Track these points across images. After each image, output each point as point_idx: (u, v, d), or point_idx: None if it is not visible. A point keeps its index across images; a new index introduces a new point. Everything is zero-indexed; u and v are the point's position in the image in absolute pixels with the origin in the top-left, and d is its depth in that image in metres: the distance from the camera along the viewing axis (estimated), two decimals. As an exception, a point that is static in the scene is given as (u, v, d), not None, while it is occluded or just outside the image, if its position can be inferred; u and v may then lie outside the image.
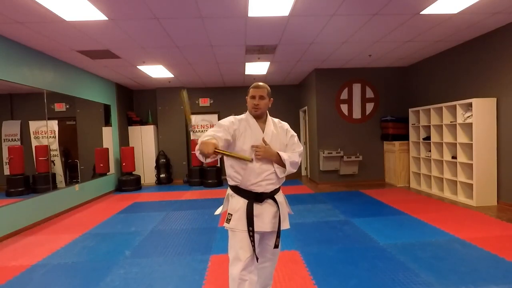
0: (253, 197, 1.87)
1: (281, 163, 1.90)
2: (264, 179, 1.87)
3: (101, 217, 5.06)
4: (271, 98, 1.99)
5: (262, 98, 1.91)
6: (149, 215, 5.13)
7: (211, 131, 1.82)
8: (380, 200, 5.59)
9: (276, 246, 1.93)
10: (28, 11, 3.52)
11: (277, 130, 1.98)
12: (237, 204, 1.89)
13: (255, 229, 1.83)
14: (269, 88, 1.97)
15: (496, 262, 2.89)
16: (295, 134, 2.07)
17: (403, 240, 3.53)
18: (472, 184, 5.03)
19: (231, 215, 1.88)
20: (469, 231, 3.72)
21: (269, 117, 2.02)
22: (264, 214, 1.89)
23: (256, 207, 1.86)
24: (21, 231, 4.37)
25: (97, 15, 3.68)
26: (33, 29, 4.04)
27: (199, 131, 8.88)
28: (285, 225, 1.99)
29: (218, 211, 2.03)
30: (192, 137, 8.75)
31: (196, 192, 7.05)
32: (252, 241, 1.81)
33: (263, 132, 1.92)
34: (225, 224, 1.89)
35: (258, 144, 1.86)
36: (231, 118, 1.93)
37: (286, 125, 2.07)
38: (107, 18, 3.81)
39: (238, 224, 1.84)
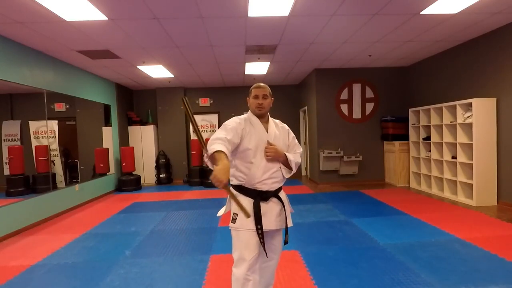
0: (259, 196, 1.87)
1: (287, 164, 1.94)
2: (270, 177, 1.88)
3: (101, 217, 5.06)
4: (272, 98, 2.02)
5: (266, 97, 1.94)
6: (149, 215, 5.13)
7: (220, 133, 1.75)
8: (380, 200, 5.59)
9: (286, 242, 1.99)
10: (28, 11, 3.52)
11: (279, 130, 2.01)
12: (242, 203, 1.86)
13: (263, 228, 1.84)
14: (269, 88, 2.00)
15: (496, 262, 2.89)
16: (294, 135, 2.12)
17: (403, 240, 3.53)
18: (472, 184, 5.02)
19: (237, 214, 1.87)
20: (469, 231, 3.72)
21: (270, 118, 2.04)
22: (270, 212, 1.90)
23: (262, 206, 1.87)
24: (21, 231, 4.37)
25: (97, 15, 3.68)
26: (33, 29, 4.04)
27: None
28: (289, 223, 2.01)
29: (221, 212, 2.02)
30: (192, 137, 8.76)
31: (196, 192, 7.05)
32: (261, 238, 1.81)
33: (267, 131, 1.94)
34: (231, 224, 1.88)
35: (264, 144, 1.88)
36: (236, 119, 1.91)
37: (286, 126, 2.10)
38: (107, 18, 3.81)
39: (244, 223, 1.84)
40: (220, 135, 1.73)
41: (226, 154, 1.61)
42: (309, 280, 2.65)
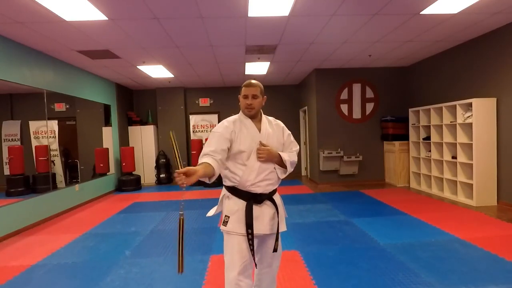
0: (252, 198, 1.80)
1: (282, 164, 1.85)
2: (264, 179, 1.81)
3: (101, 217, 5.06)
4: (265, 96, 1.90)
5: (255, 97, 1.82)
6: (149, 215, 5.13)
7: (207, 149, 1.74)
8: (380, 200, 5.59)
9: (274, 250, 1.85)
10: (28, 11, 3.52)
11: (273, 129, 1.91)
12: (235, 205, 1.81)
13: (254, 232, 1.76)
14: (261, 86, 1.88)
15: (496, 262, 2.89)
16: (290, 132, 2.02)
17: (403, 240, 3.53)
18: (472, 184, 5.02)
19: (228, 217, 1.80)
20: (469, 231, 3.72)
21: (263, 116, 1.94)
22: (263, 216, 1.82)
23: (255, 209, 1.79)
24: (21, 231, 4.37)
25: (97, 15, 3.68)
26: (33, 29, 4.04)
27: (199, 131, 8.89)
28: (282, 227, 1.91)
29: (210, 213, 1.95)
30: (192, 137, 8.76)
31: (196, 192, 7.05)
32: (251, 244, 1.74)
33: (260, 131, 1.85)
34: (222, 227, 1.82)
35: (256, 145, 1.80)
36: (224, 123, 1.84)
37: (281, 123, 1.99)
38: (107, 18, 3.81)
39: (235, 226, 1.77)
40: (205, 151, 1.74)
41: (213, 167, 1.64)
42: (309, 280, 2.65)
